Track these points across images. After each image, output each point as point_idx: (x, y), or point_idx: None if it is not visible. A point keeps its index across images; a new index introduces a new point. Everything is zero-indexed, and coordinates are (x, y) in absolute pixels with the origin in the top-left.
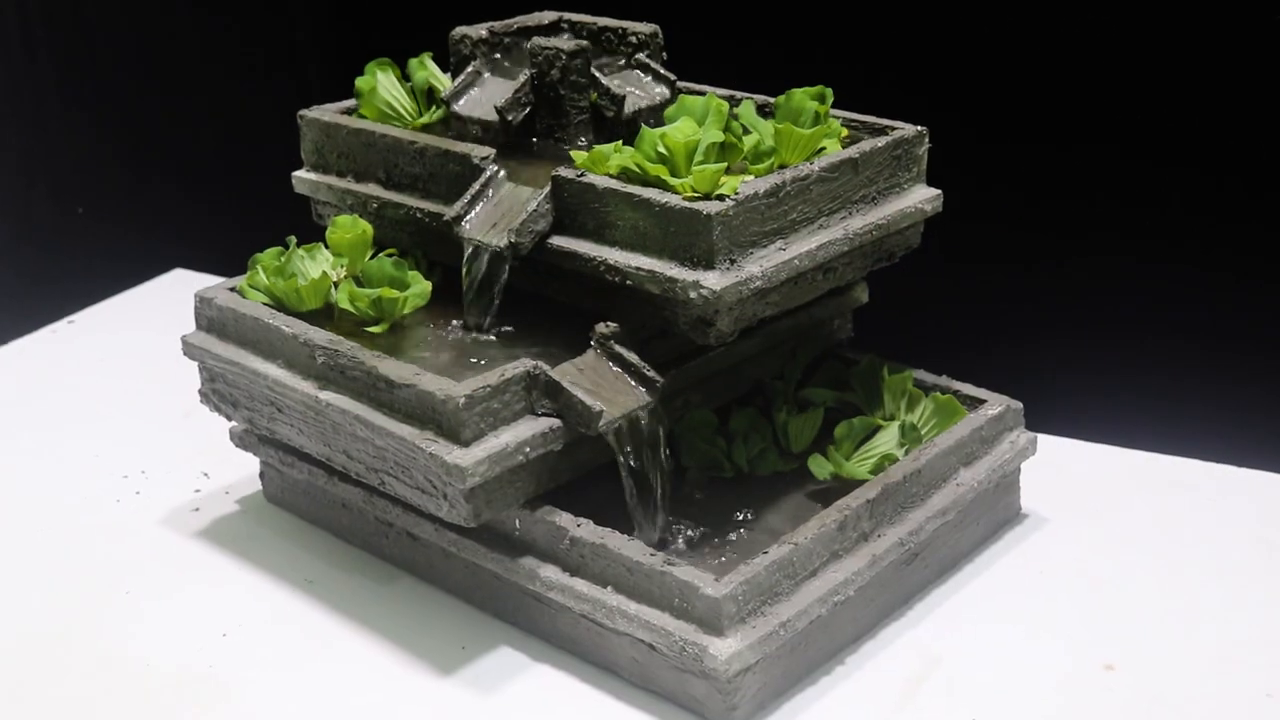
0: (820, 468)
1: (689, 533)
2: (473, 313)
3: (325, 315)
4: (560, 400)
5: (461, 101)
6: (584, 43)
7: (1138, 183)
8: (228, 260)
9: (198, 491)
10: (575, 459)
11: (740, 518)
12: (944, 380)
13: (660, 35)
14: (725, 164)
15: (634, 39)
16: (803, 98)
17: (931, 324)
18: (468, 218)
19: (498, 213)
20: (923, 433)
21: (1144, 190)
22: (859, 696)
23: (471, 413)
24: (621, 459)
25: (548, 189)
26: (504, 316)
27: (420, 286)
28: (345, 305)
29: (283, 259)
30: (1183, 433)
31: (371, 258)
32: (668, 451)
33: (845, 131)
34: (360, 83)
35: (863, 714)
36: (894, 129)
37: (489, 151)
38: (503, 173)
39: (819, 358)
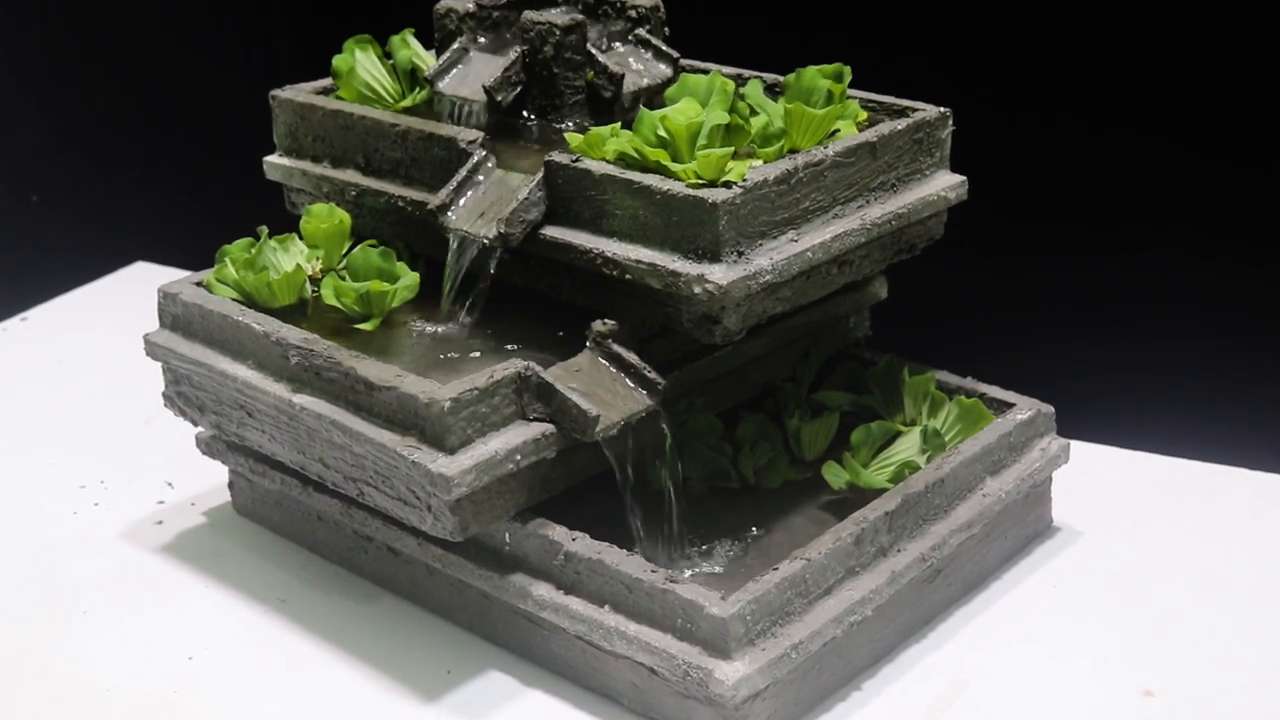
0: (835, 477)
1: (694, 548)
2: (459, 309)
3: (299, 312)
4: (554, 404)
5: (446, 80)
6: (579, 17)
7: (1180, 170)
8: (194, 252)
9: (161, 503)
10: (570, 467)
11: (748, 531)
12: (969, 382)
13: (661, 9)
14: (731, 148)
15: (633, 13)
16: (815, 76)
17: (956, 321)
18: (454, 207)
19: (486, 201)
20: (946, 439)
21: (1187, 178)
22: None
23: (458, 418)
24: (619, 470)
25: (540, 175)
26: (493, 314)
27: (409, 278)
28: (331, 301)
29: (253, 251)
30: (1227, 439)
31: (349, 250)
32: (676, 459)
33: (864, 114)
34: (338, 62)
35: None
36: (915, 110)
37: (476, 135)
38: (491, 158)
39: (834, 358)
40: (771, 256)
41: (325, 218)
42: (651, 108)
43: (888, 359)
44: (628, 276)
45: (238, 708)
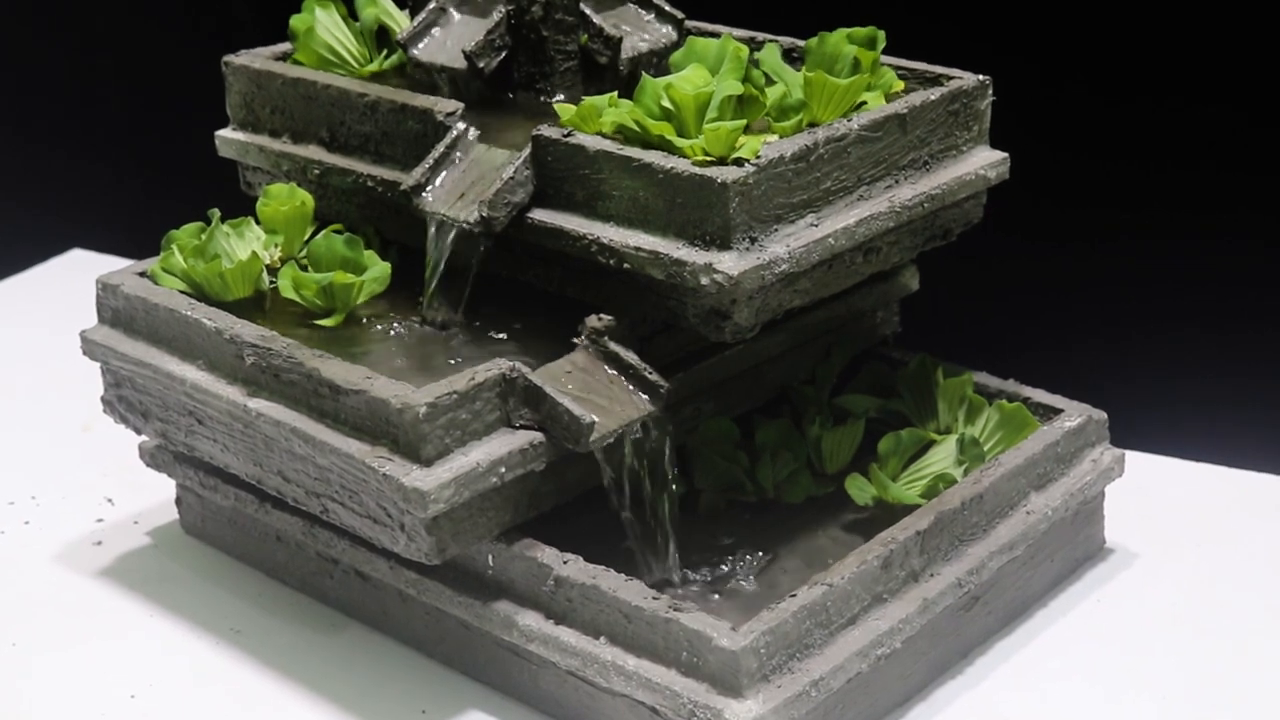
0: (860, 491)
1: (702, 571)
2: (436, 303)
3: (256, 306)
4: (543, 410)
5: (422, 45)
6: None
7: (1251, 146)
8: (137, 239)
9: (100, 521)
10: (561, 481)
11: (764, 552)
12: (1011, 385)
13: None
14: (744, 121)
15: None
16: (840, 41)
17: (996, 317)
18: (430, 187)
19: (467, 181)
20: (985, 449)
21: (1259, 155)
22: None
23: (434, 425)
24: (616, 483)
25: (527, 152)
26: (474, 308)
27: (378, 269)
28: (289, 294)
29: (204, 237)
30: None
31: (311, 235)
32: (675, 472)
33: (900, 84)
34: (296, 21)
35: None
36: (950, 78)
37: (456, 106)
38: (473, 132)
39: (858, 358)
40: (788, 243)
41: (285, 199)
42: (654, 75)
43: (919, 359)
44: (626, 266)
45: None
